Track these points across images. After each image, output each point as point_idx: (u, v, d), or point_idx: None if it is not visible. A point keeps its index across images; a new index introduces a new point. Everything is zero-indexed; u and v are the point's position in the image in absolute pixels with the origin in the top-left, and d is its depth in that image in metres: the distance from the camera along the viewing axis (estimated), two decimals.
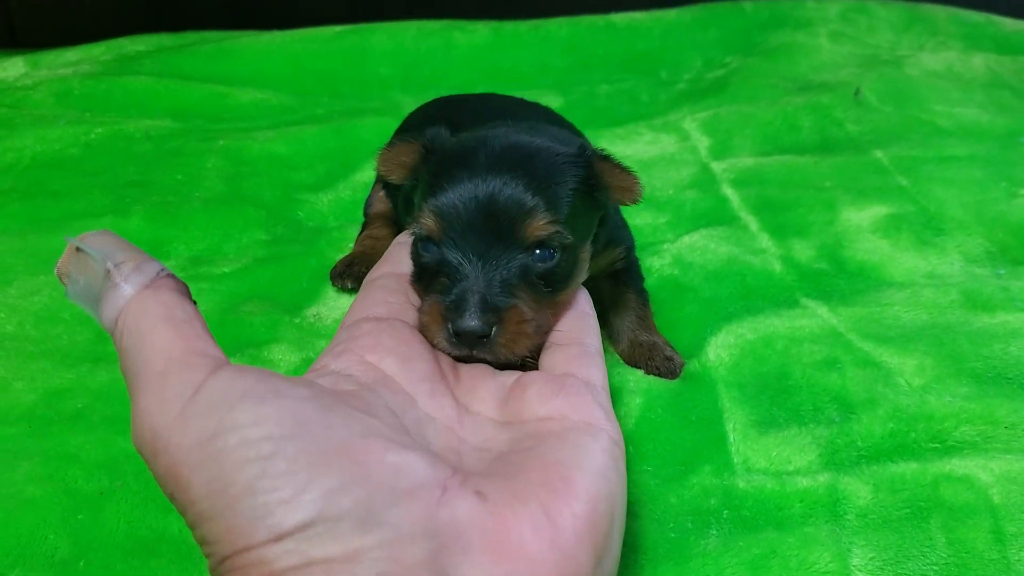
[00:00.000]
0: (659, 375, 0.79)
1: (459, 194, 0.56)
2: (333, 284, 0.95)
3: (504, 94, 1.07)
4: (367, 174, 1.16)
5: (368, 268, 0.94)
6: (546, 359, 0.55)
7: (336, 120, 1.34)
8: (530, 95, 1.07)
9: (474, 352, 0.54)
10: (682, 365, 0.81)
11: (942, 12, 1.83)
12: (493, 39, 1.63)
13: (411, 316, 0.56)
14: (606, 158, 0.63)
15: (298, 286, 0.96)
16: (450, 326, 0.53)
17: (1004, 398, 0.74)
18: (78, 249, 0.42)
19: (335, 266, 0.97)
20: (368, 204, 1.10)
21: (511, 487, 0.42)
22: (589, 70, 1.64)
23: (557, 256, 0.57)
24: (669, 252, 1.00)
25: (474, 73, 1.52)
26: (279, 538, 0.36)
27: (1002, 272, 0.97)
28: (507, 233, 0.56)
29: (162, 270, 0.43)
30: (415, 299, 0.59)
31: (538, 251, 0.56)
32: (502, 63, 1.51)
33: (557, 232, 0.56)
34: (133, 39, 1.63)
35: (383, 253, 0.99)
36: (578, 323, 0.58)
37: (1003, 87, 1.55)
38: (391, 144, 0.65)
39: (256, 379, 0.40)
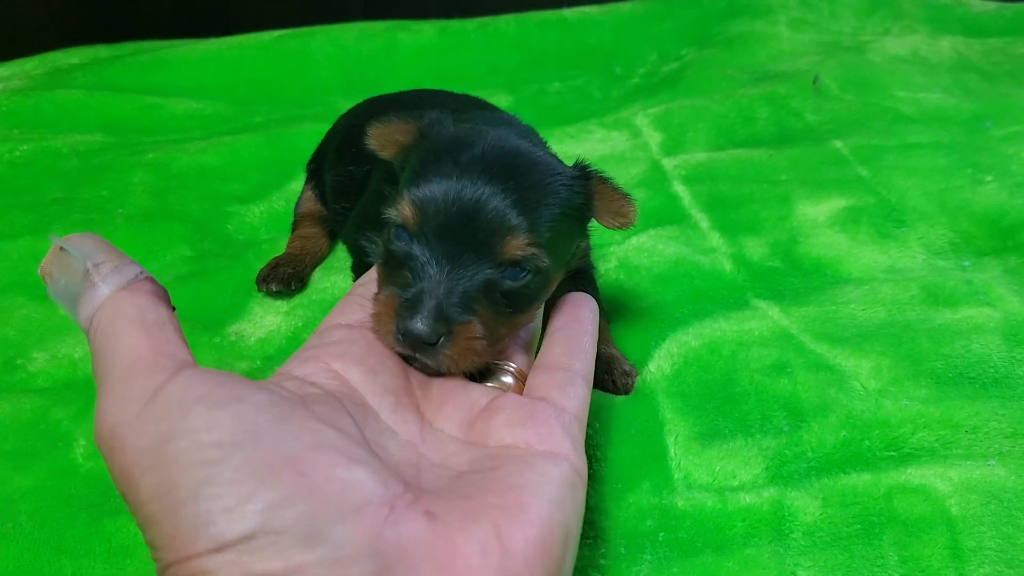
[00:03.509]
0: (615, 391, 0.75)
1: (443, 190, 0.53)
2: (259, 289, 0.92)
3: (446, 90, 1.03)
4: (303, 182, 1.11)
5: (295, 270, 0.92)
6: (530, 380, 0.55)
7: (272, 128, 1.29)
8: (479, 95, 1.03)
9: (416, 355, 0.52)
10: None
11: None
12: (439, 39, 1.58)
13: None
14: (605, 181, 0.60)
15: (221, 302, 0.92)
16: (399, 323, 0.51)
17: (965, 399, 0.71)
18: (61, 249, 0.43)
19: (260, 270, 0.92)
20: (297, 204, 1.07)
21: (464, 507, 0.41)
22: (540, 68, 1.59)
23: (527, 278, 0.55)
24: (615, 255, 0.95)
25: (420, 75, 1.47)
26: (220, 548, 0.36)
27: (967, 264, 0.93)
28: (483, 245, 0.53)
29: (140, 272, 0.44)
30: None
31: (509, 270, 0.54)
32: (449, 63, 1.46)
33: (534, 255, 0.54)
34: (67, 52, 1.57)
35: (312, 252, 0.96)
36: (572, 346, 0.56)
37: (971, 70, 1.50)
38: (386, 119, 0.62)
39: (216, 383, 0.40)
